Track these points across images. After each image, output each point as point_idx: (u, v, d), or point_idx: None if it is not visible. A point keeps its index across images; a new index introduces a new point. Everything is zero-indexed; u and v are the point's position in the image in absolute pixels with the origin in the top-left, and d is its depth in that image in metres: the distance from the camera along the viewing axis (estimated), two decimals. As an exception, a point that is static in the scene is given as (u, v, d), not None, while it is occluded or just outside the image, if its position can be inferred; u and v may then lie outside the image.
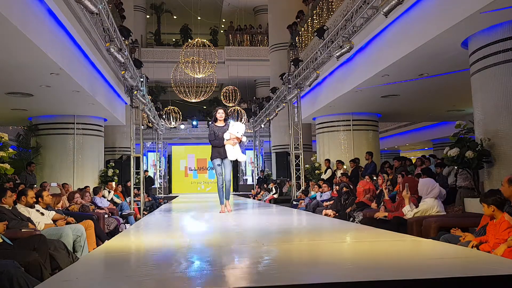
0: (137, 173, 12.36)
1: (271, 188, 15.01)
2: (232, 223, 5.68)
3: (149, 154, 21.45)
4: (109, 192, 10.78)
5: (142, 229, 5.51)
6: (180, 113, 20.24)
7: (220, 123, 7.06)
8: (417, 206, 6.13)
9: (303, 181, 12.89)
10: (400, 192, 6.99)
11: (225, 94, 19.59)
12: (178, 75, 18.04)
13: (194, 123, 22.39)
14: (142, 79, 11.92)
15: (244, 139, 6.88)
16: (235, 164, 19.88)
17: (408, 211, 6.03)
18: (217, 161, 6.97)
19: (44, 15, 6.95)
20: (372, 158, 11.51)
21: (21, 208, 5.38)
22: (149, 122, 16.73)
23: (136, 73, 11.17)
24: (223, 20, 26.68)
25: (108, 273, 2.99)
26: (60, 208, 7.09)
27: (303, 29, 14.89)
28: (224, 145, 6.81)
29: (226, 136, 6.79)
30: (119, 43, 8.75)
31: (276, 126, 18.08)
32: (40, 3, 6.76)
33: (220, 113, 7.10)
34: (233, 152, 6.78)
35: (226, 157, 6.90)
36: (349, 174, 11.09)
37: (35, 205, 5.75)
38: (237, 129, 6.78)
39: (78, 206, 7.92)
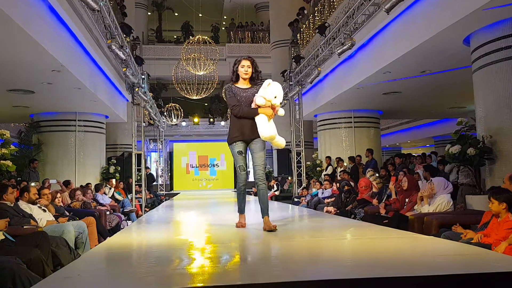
0: (139, 170, 12.37)
1: (272, 185, 15.01)
2: (233, 220, 5.68)
3: (152, 154, 21.57)
4: (110, 189, 10.80)
5: (144, 226, 5.52)
6: (182, 110, 20.24)
7: (243, 84, 4.30)
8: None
9: (304, 178, 12.89)
10: (401, 191, 7.00)
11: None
12: (179, 72, 18.03)
13: (196, 120, 22.41)
14: (143, 76, 11.93)
15: (281, 111, 4.30)
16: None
17: (427, 210, 6.06)
18: (238, 146, 4.24)
19: (45, 12, 6.94)
20: (373, 155, 11.52)
21: (23, 204, 5.39)
22: (151, 119, 16.74)
23: (137, 70, 11.17)
24: (225, 17, 26.63)
25: (110, 269, 3.00)
26: (62, 205, 7.11)
27: (304, 26, 14.87)
28: (253, 118, 4.15)
29: (259, 100, 4.09)
30: (121, 40, 8.75)
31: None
32: (42, 0, 6.76)
33: (245, 67, 4.24)
34: (268, 127, 4.13)
35: (255, 137, 4.20)
36: (349, 172, 11.10)
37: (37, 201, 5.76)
38: (274, 91, 4.12)
39: (80, 203, 7.94)
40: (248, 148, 4.33)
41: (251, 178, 21.58)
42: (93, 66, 9.94)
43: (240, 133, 4.23)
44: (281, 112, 4.28)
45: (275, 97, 4.12)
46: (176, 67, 18.08)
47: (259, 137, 4.20)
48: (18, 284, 3.25)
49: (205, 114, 23.27)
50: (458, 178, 7.28)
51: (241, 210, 4.51)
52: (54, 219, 5.72)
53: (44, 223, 5.40)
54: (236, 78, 4.31)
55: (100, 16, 7.74)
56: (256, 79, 4.29)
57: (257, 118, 4.14)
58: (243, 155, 4.27)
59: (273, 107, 4.16)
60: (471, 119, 7.24)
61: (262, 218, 4.23)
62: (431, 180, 6.28)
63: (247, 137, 4.23)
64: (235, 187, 20.11)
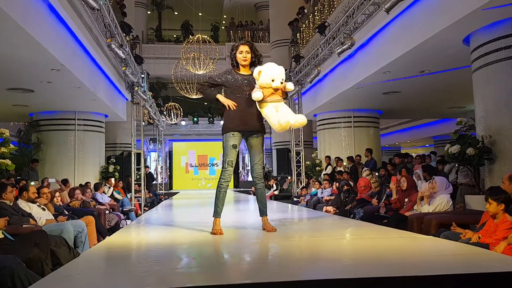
0: (138, 169, 12.36)
1: (272, 184, 15.01)
2: (232, 219, 5.69)
3: (151, 153, 21.61)
4: (109, 188, 10.79)
5: (143, 225, 5.52)
6: (181, 109, 20.23)
7: (244, 71, 4.05)
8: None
9: (304, 177, 12.90)
10: (401, 191, 7.00)
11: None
12: (179, 71, 18.03)
13: (195, 119, 22.41)
14: (143, 75, 11.92)
15: (289, 85, 3.87)
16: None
17: (427, 210, 6.05)
18: (235, 138, 3.90)
19: (45, 11, 6.93)
20: (372, 155, 11.52)
21: (22, 203, 5.39)
22: (150, 118, 16.73)
23: (137, 69, 11.17)
24: (224, 16, 26.62)
25: (109, 268, 2.99)
26: (62, 204, 7.11)
27: (304, 25, 14.88)
28: (250, 106, 3.87)
29: (255, 95, 3.77)
30: (120, 39, 8.75)
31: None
32: (41, -2, 6.75)
33: (244, 53, 3.98)
34: (278, 116, 3.74)
35: (257, 130, 3.93)
36: (348, 171, 11.10)
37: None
38: (270, 75, 3.78)
39: (79, 202, 7.93)
40: (245, 143, 4.03)
41: (250, 178, 21.59)
42: (92, 65, 9.93)
43: (241, 122, 3.85)
44: (289, 86, 3.85)
45: (273, 80, 3.74)
46: (176, 66, 18.07)
47: (260, 131, 3.94)
48: (17, 283, 3.25)
49: (205, 113, 23.26)
50: (458, 178, 7.28)
51: (218, 213, 3.94)
52: (53, 218, 5.72)
53: (43, 222, 5.40)
54: (237, 65, 4.04)
55: (99, 15, 7.74)
56: (257, 64, 3.97)
57: (263, 110, 3.79)
58: (237, 149, 3.91)
59: (276, 90, 3.80)
60: (470, 119, 7.24)
61: (260, 217, 4.15)
62: (433, 178, 6.27)
63: (250, 127, 3.88)
64: (234, 187, 20.20)
